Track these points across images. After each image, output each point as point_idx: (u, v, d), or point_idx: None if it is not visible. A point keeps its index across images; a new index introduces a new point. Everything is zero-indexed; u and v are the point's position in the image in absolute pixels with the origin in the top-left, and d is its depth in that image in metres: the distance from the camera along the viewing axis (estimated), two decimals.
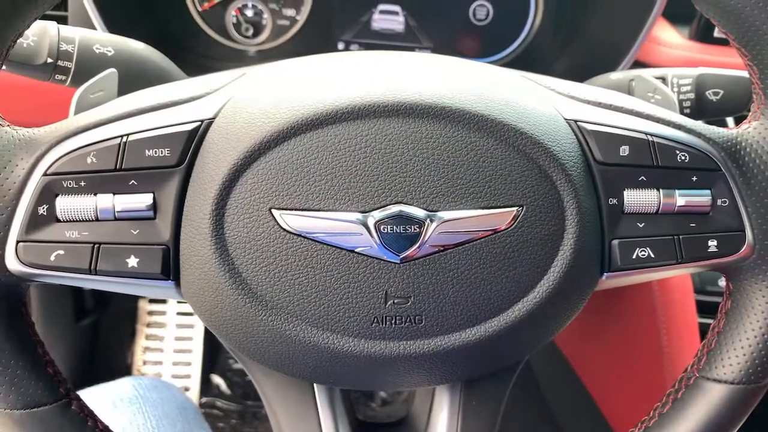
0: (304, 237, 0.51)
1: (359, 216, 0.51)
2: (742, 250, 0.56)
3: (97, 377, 1.16)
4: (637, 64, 1.07)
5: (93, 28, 0.97)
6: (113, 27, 0.98)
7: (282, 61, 0.61)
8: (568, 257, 0.53)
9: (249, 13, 1.20)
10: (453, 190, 0.52)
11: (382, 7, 1.23)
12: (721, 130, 0.58)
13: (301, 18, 1.21)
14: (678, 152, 0.56)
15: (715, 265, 0.57)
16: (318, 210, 0.51)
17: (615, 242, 0.55)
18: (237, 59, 1.21)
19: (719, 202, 0.56)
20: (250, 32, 1.21)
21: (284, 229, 0.51)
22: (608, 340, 1.06)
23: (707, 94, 0.73)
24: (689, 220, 0.56)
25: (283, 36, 1.22)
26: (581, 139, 0.56)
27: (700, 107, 0.74)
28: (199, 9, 1.19)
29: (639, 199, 0.55)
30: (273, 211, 0.51)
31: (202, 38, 1.20)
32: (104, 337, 1.98)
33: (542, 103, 0.57)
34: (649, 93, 0.68)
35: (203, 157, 0.52)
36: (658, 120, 0.57)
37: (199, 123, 0.53)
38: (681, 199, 0.55)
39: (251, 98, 0.54)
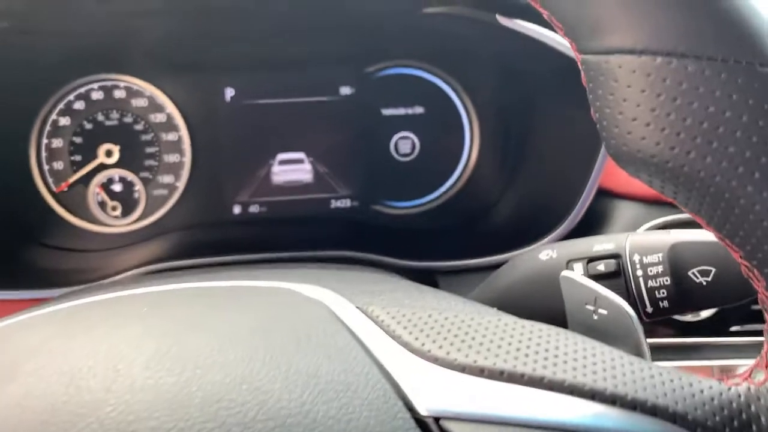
0: None
1: None
2: None
3: None
4: (602, 194, 0.81)
5: None
6: None
7: None
8: None
9: (116, 188, 0.97)
10: None
11: (281, 156, 0.99)
12: (713, 388, 0.30)
13: (182, 184, 0.98)
14: None
15: None
16: None
17: None
18: (106, 245, 0.97)
19: None
20: (119, 211, 0.97)
21: None
22: None
23: (691, 276, 0.46)
24: None
25: (160, 209, 0.98)
26: None
27: (682, 297, 0.46)
28: (54, 190, 0.96)
29: None
30: None
31: (60, 226, 0.96)
32: None
33: (368, 390, 0.30)
34: (587, 305, 0.41)
35: None
36: (592, 395, 0.30)
37: None
38: None
39: None
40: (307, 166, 1.00)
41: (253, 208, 1.00)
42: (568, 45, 0.69)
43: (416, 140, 1.00)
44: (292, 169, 1.00)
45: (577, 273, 0.43)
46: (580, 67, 0.32)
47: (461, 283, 0.83)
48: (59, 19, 0.78)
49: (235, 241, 0.94)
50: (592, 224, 0.80)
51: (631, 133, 0.29)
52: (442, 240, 0.94)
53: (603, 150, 0.75)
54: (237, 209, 0.99)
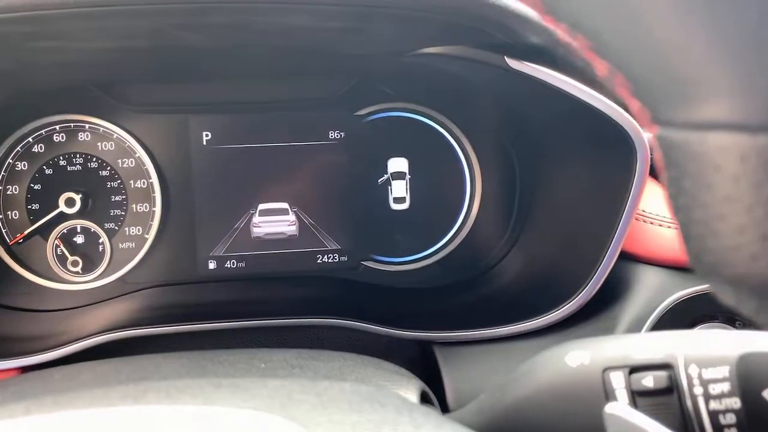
0: None
1: None
2: None
3: None
4: (624, 258, 0.71)
5: None
6: None
7: None
8: None
9: (78, 239, 0.87)
10: None
11: (262, 206, 0.89)
12: None
13: (151, 236, 0.88)
14: None
15: None
16: None
17: None
18: (65, 305, 0.87)
19: None
20: (80, 266, 0.87)
21: None
22: None
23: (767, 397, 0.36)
24: None
25: (127, 264, 0.88)
26: None
27: (756, 425, 0.36)
28: (8, 242, 0.86)
29: None
30: None
31: (13, 283, 0.86)
32: None
33: None
34: None
35: None
36: None
37: None
38: None
39: None
40: (291, 217, 0.90)
41: (230, 264, 0.90)
42: (588, 91, 0.60)
43: (411, 189, 0.91)
44: (274, 220, 0.90)
45: (627, 408, 0.33)
46: (651, 143, 0.22)
47: (460, 355, 0.73)
48: (10, 55, 0.69)
49: (209, 304, 0.84)
50: (612, 293, 0.70)
51: (738, 248, 0.20)
52: (440, 302, 0.84)
53: (627, 208, 0.65)
54: (212, 265, 0.89)
